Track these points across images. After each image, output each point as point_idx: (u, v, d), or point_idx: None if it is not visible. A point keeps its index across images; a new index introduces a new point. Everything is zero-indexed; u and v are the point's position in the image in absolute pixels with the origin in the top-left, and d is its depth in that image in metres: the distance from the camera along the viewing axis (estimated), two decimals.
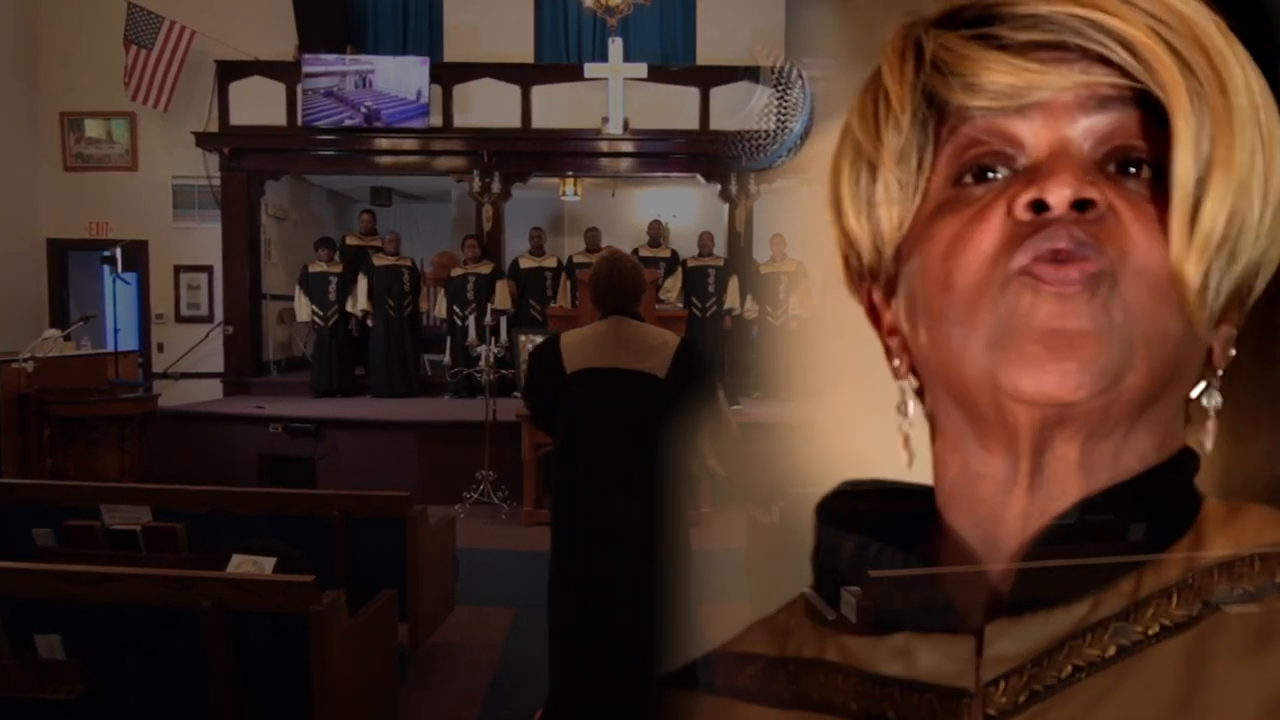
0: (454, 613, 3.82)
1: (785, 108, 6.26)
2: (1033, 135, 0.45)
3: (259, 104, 8.29)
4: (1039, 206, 0.43)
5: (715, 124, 8.13)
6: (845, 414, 0.67)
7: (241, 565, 2.39)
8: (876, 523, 0.51)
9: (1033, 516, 0.46)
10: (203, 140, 8.28)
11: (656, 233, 8.34)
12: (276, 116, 8.31)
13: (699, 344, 2.51)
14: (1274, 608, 0.42)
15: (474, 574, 4.23)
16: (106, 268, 6.86)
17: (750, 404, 6.35)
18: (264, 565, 2.38)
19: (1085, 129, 0.44)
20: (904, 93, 0.48)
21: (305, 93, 8.15)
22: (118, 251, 6.60)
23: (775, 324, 7.55)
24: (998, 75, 0.44)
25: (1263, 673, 0.40)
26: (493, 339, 6.25)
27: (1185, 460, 0.47)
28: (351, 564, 3.17)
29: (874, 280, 0.51)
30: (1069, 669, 0.43)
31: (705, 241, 8.12)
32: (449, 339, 7.42)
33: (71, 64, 8.40)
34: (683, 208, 10.00)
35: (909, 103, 0.47)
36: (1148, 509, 0.45)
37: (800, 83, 6.16)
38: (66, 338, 6.48)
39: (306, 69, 8.13)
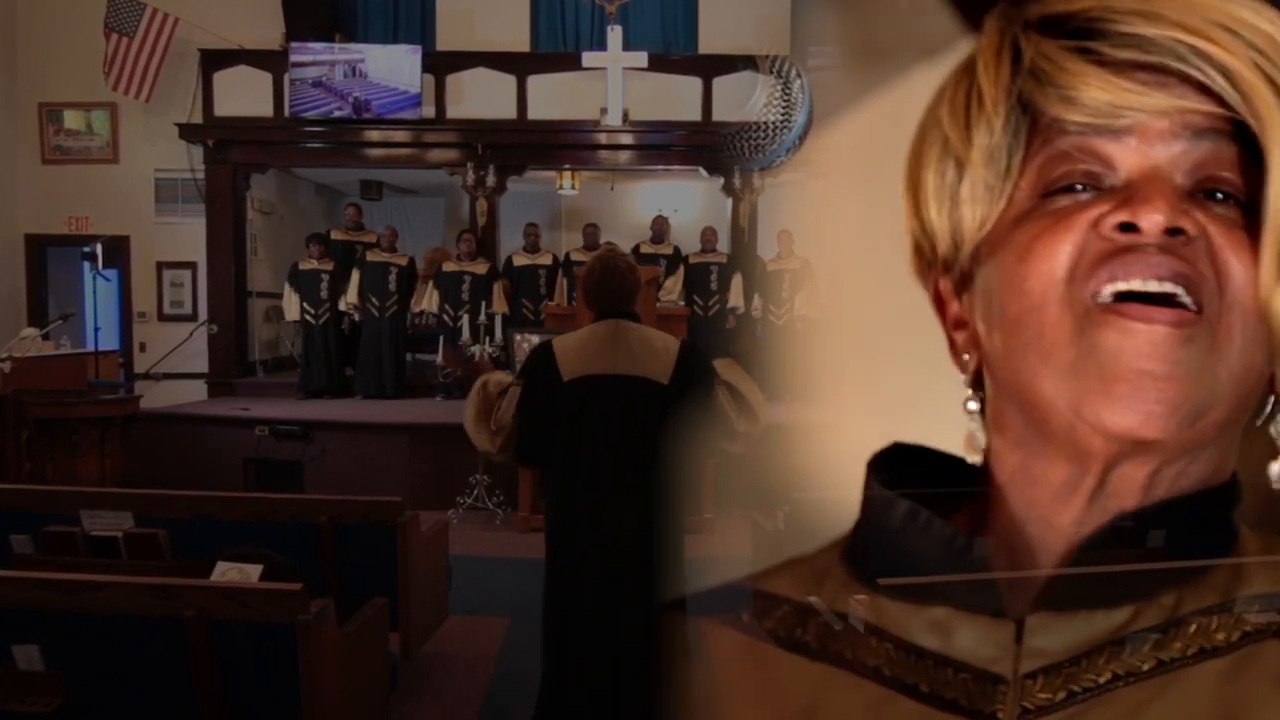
0: (447, 622, 3.82)
1: (789, 99, 6.27)
2: (1125, 157, 0.46)
3: (244, 94, 8.29)
4: (1127, 227, 0.45)
5: (718, 115, 8.13)
6: (850, 416, 0.67)
7: (227, 573, 2.39)
8: (919, 486, 0.53)
9: (1086, 525, 0.48)
10: (186, 132, 8.28)
11: (661, 228, 8.30)
12: (263, 107, 8.30)
13: (698, 346, 2.48)
14: None
15: (468, 582, 4.23)
16: (86, 264, 6.86)
17: None
18: (250, 573, 2.38)
19: (1178, 155, 0.46)
20: (999, 95, 0.49)
21: (293, 83, 8.14)
22: (98, 247, 6.59)
23: (779, 323, 7.56)
24: (1096, 92, 0.46)
25: None
26: (487, 338, 6.25)
27: (1230, 489, 0.49)
28: (341, 572, 3.17)
29: (945, 272, 0.53)
30: (1108, 675, 0.45)
31: (708, 237, 8.11)
32: (441, 338, 7.43)
33: (50, 53, 8.40)
34: (684, 202, 10.01)
35: (1003, 106, 0.49)
36: (1189, 529, 0.47)
37: (800, 80, 6.19)
38: (45, 337, 6.48)
39: (294, 58, 8.12)
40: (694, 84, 8.29)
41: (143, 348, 8.66)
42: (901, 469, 0.55)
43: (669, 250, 8.18)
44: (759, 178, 8.31)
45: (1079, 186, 0.48)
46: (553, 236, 9.98)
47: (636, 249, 8.18)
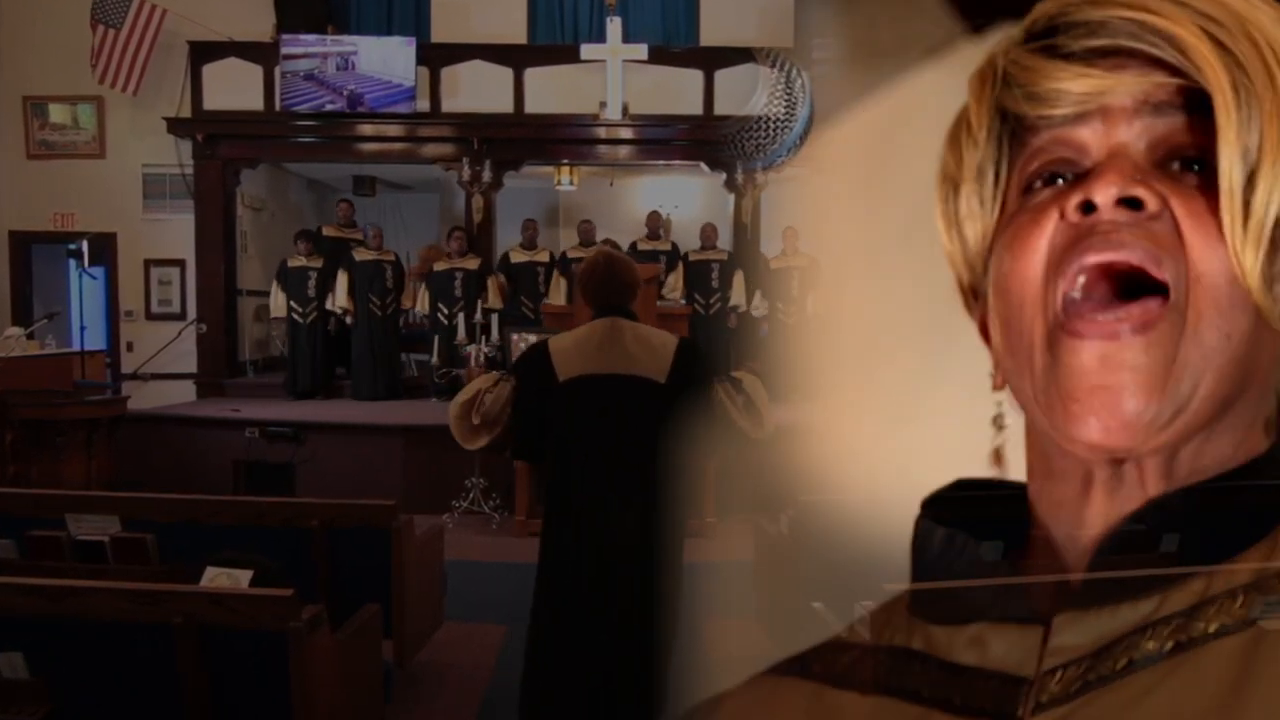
0: (442, 629, 3.82)
1: (791, 96, 6.29)
2: (1094, 140, 0.48)
3: (234, 88, 8.28)
4: (1088, 208, 0.46)
5: (720, 109, 8.13)
6: (854, 417, 0.67)
7: (216, 578, 2.40)
8: (979, 518, 0.55)
9: (1111, 517, 0.50)
10: (175, 126, 8.28)
11: (655, 224, 8.31)
12: (253, 101, 8.30)
13: (699, 343, 2.50)
14: None
15: (463, 588, 4.23)
16: (72, 261, 6.86)
17: None
18: (240, 579, 2.38)
19: (1142, 131, 0.48)
20: (980, 111, 0.53)
21: (284, 75, 8.14)
22: (84, 244, 6.60)
23: (787, 322, 7.56)
24: (1058, 83, 0.48)
25: None
26: (483, 338, 6.25)
27: (1264, 464, 0.50)
28: (333, 577, 3.17)
29: (977, 299, 0.56)
30: (1125, 661, 0.47)
31: (708, 234, 8.12)
32: (435, 338, 7.43)
33: (35, 45, 8.39)
34: (685, 198, 10.01)
35: (984, 120, 0.52)
36: (1220, 512, 0.48)
37: (800, 79, 6.22)
38: (29, 336, 6.49)
39: (285, 50, 8.13)
40: (695, 77, 8.29)
41: (130, 347, 8.66)
42: (963, 503, 0.58)
43: (666, 246, 8.19)
44: (762, 173, 8.31)
45: (1057, 179, 0.50)
46: (550, 233, 9.97)
47: (633, 246, 8.19)
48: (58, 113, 8.53)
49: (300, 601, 2.23)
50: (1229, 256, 0.44)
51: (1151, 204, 0.46)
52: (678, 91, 8.28)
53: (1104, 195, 0.46)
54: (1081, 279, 0.47)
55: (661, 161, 8.87)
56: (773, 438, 2.45)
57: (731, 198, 8.57)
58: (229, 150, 8.41)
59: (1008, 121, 0.52)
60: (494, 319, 6.95)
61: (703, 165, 8.56)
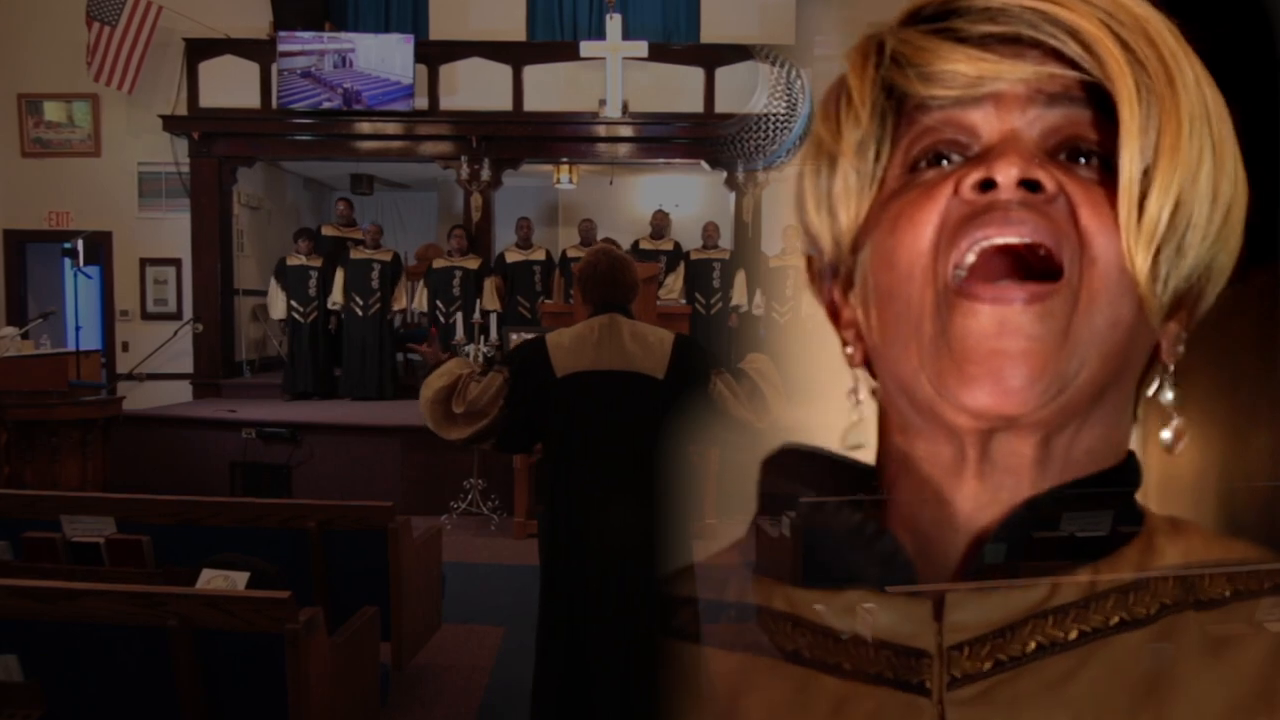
0: (440, 631, 3.82)
1: (791, 95, 6.29)
2: (986, 124, 0.49)
3: (231, 85, 8.29)
4: (986, 185, 0.47)
5: (721, 106, 8.14)
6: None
7: (212, 581, 2.40)
8: (820, 487, 0.56)
9: (984, 502, 0.50)
10: (170, 124, 8.29)
11: (661, 223, 8.30)
12: (250, 99, 8.31)
13: (696, 338, 2.51)
14: (1227, 616, 0.48)
15: (462, 590, 4.24)
16: (67, 261, 6.86)
17: None
18: (236, 581, 2.39)
19: (1036, 119, 0.48)
20: (864, 87, 0.52)
21: (280, 73, 8.15)
22: (79, 243, 6.60)
23: (781, 321, 7.56)
24: (953, 65, 0.48)
25: (1225, 672, 0.46)
26: (481, 337, 6.25)
27: (1131, 467, 0.52)
28: (330, 579, 3.18)
29: (834, 278, 0.56)
30: (1033, 644, 0.48)
31: (710, 233, 8.12)
32: (431, 329, 7.40)
33: (30, 42, 8.40)
34: (686, 196, 10.01)
35: (868, 96, 0.52)
36: (1098, 509, 0.50)
37: (800, 80, 6.22)
38: (24, 336, 6.49)
39: (282, 48, 8.13)
40: (696, 74, 8.30)
41: (125, 347, 8.66)
42: (799, 469, 0.58)
43: (669, 246, 8.18)
44: (763, 171, 8.31)
45: (944, 159, 0.50)
46: (549, 232, 9.97)
47: (636, 245, 8.17)
48: (53, 110, 8.53)
49: (297, 604, 2.23)
50: (1121, 246, 0.46)
51: (1050, 187, 0.46)
52: (678, 89, 8.29)
53: (1005, 175, 0.46)
54: (972, 256, 0.47)
55: (662, 160, 8.87)
56: (774, 439, 2.45)
57: (732, 196, 8.58)
58: (225, 148, 8.41)
59: (893, 97, 0.52)
60: (493, 318, 6.95)
61: (703, 163, 8.56)
